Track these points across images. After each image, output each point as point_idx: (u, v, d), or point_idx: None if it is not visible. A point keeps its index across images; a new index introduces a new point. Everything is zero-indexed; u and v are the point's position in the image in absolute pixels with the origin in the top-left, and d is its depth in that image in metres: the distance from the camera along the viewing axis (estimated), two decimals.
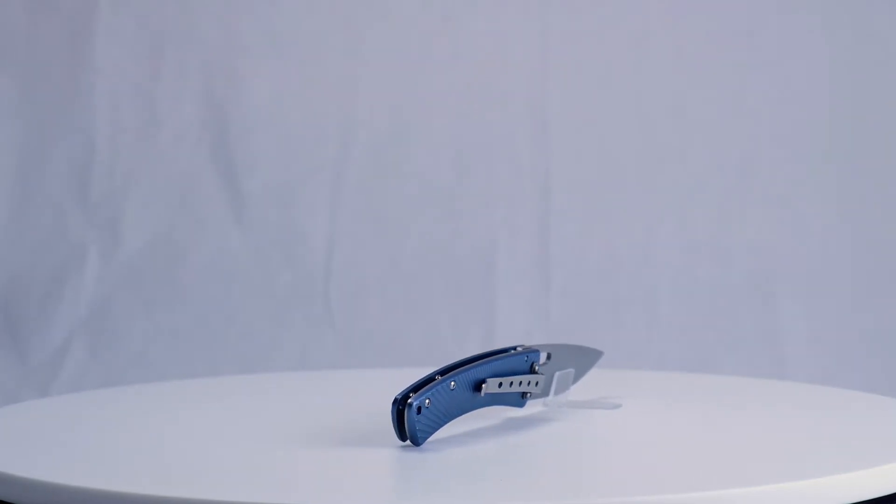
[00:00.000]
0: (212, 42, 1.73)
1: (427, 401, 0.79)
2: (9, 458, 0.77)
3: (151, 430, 0.88)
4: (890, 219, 1.70)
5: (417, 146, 1.73)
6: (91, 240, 1.72)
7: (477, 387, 0.82)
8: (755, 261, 1.70)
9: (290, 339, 1.69)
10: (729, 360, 1.65)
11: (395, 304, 1.70)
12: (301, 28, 1.73)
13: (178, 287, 1.71)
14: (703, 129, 1.72)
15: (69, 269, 1.71)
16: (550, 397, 0.88)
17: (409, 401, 0.78)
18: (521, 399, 0.86)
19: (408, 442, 0.79)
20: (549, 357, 0.87)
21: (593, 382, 0.97)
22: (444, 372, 0.81)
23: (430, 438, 0.80)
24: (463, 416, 0.82)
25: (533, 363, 0.86)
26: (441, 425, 0.80)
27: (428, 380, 0.80)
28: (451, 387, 0.80)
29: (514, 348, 0.86)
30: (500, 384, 0.83)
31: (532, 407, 0.88)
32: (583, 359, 0.93)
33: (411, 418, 0.78)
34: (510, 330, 1.67)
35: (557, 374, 0.88)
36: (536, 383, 0.86)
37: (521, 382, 0.85)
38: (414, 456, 0.78)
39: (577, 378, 0.91)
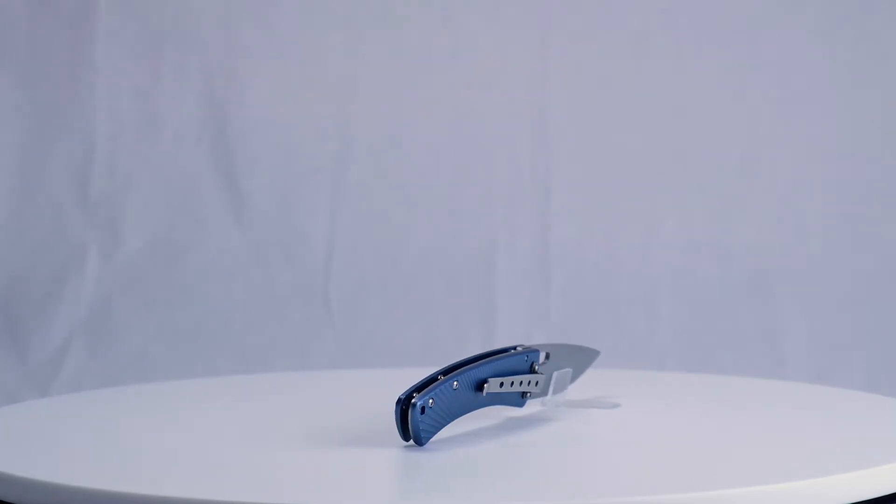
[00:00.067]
0: (212, 42, 1.73)
1: (430, 401, 0.79)
2: (9, 458, 0.77)
3: (151, 430, 0.88)
4: (890, 218, 1.70)
5: (417, 146, 1.73)
6: (91, 240, 1.72)
7: (479, 387, 0.82)
8: (755, 260, 1.70)
9: (290, 339, 1.69)
10: (729, 360, 1.65)
11: (395, 304, 1.70)
12: (301, 28, 1.73)
13: (178, 287, 1.71)
14: (703, 129, 1.72)
15: (69, 269, 1.71)
16: (549, 397, 0.88)
17: (413, 401, 0.78)
18: (520, 399, 0.86)
19: (411, 442, 0.79)
20: (547, 357, 0.87)
21: (591, 382, 0.97)
22: (446, 372, 0.81)
23: (433, 438, 0.80)
24: (463, 416, 0.82)
25: (533, 363, 0.86)
26: (444, 425, 0.80)
27: (431, 380, 0.80)
28: (454, 387, 0.80)
29: (514, 348, 0.86)
30: (502, 384, 0.83)
31: (530, 406, 0.88)
32: (580, 358, 0.93)
33: (415, 418, 0.78)
34: (510, 330, 1.67)
35: (555, 373, 0.88)
36: (536, 383, 0.86)
37: (521, 382, 0.85)
38: (418, 456, 0.78)
39: (574, 378, 0.91)
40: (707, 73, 1.72)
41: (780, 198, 1.71)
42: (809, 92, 1.71)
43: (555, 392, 0.89)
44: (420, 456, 0.78)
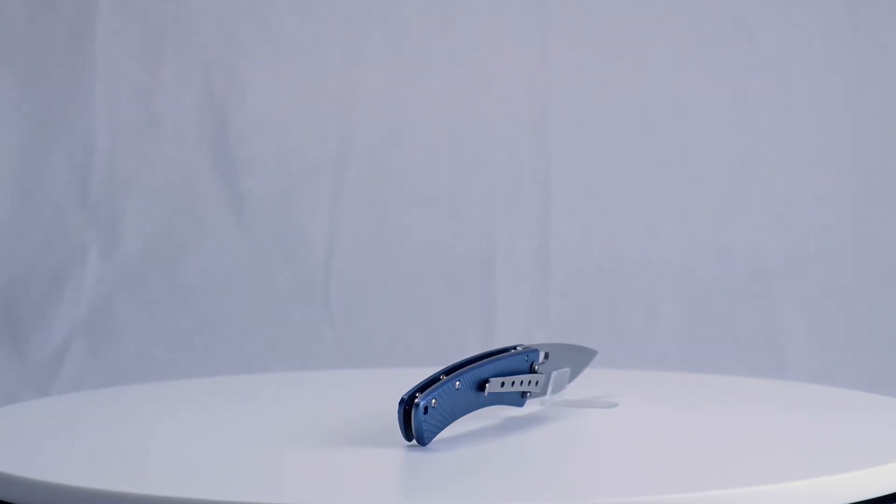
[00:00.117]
0: (212, 42, 1.73)
1: (433, 401, 0.79)
2: (9, 458, 0.77)
3: (151, 430, 0.87)
4: (890, 218, 1.70)
5: (417, 146, 1.73)
6: (91, 240, 1.72)
7: (480, 386, 0.82)
8: (755, 261, 1.70)
9: (290, 339, 1.69)
10: (729, 360, 1.65)
11: (395, 304, 1.70)
12: (301, 28, 1.73)
13: (178, 287, 1.71)
14: (703, 129, 1.72)
15: (69, 269, 1.71)
16: (547, 396, 0.88)
17: (416, 401, 0.78)
18: (520, 398, 0.86)
19: (413, 442, 0.79)
20: (546, 356, 0.87)
21: (590, 382, 0.97)
22: (448, 372, 0.81)
23: (434, 438, 0.80)
24: (464, 416, 0.82)
25: (533, 362, 0.86)
26: (446, 425, 0.80)
27: (433, 380, 0.80)
28: (457, 387, 0.80)
29: (514, 348, 0.86)
30: (503, 384, 0.83)
31: (529, 406, 0.88)
32: (578, 358, 0.93)
33: (418, 418, 0.78)
34: (510, 330, 1.67)
35: (554, 373, 0.88)
36: (536, 383, 0.86)
37: (521, 382, 0.85)
38: (421, 456, 0.78)
39: (572, 377, 0.91)
40: (707, 73, 1.72)
41: (780, 198, 1.71)
42: (809, 92, 1.71)
43: (553, 392, 0.89)
44: (423, 456, 0.78)
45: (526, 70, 1.73)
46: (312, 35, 1.73)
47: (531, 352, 0.86)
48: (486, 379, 0.82)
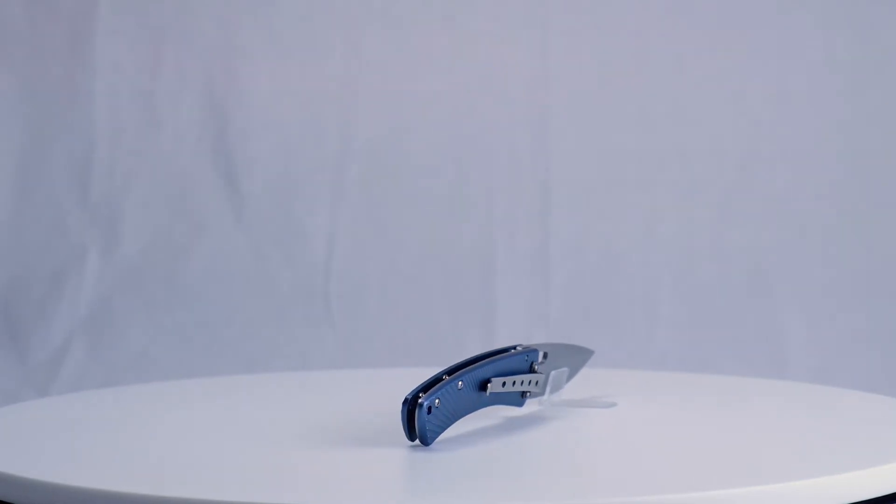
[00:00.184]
0: (212, 42, 1.73)
1: (437, 401, 0.79)
2: (9, 458, 0.77)
3: (151, 430, 0.87)
4: (889, 218, 1.70)
5: (417, 146, 1.73)
6: (91, 240, 1.72)
7: (482, 386, 0.82)
8: (755, 261, 1.70)
9: (290, 338, 1.69)
10: (729, 360, 1.65)
11: (395, 303, 1.70)
12: (301, 28, 1.73)
13: (178, 287, 1.71)
14: (703, 129, 1.72)
15: (69, 269, 1.71)
16: (546, 396, 0.88)
17: (420, 401, 0.78)
18: (520, 398, 0.86)
19: (416, 442, 0.79)
20: (545, 356, 0.87)
21: (590, 382, 0.97)
22: (450, 372, 0.81)
23: (437, 438, 0.80)
24: (466, 415, 0.82)
25: (532, 362, 0.86)
26: (449, 425, 0.80)
27: (436, 380, 0.80)
28: (459, 387, 0.80)
29: (514, 347, 0.86)
30: (504, 384, 0.84)
31: (528, 406, 0.88)
32: (576, 358, 0.93)
33: (422, 418, 0.78)
34: (510, 330, 1.67)
35: (553, 373, 0.88)
36: (536, 382, 0.87)
37: (522, 382, 0.85)
38: (424, 456, 0.78)
39: (569, 377, 0.91)
40: (707, 73, 1.72)
41: (780, 198, 1.71)
42: (809, 92, 1.71)
43: (552, 392, 0.89)
44: (427, 456, 0.78)
45: (526, 70, 1.73)
46: (312, 35, 1.73)
47: (531, 352, 0.86)
48: (487, 379, 0.82)
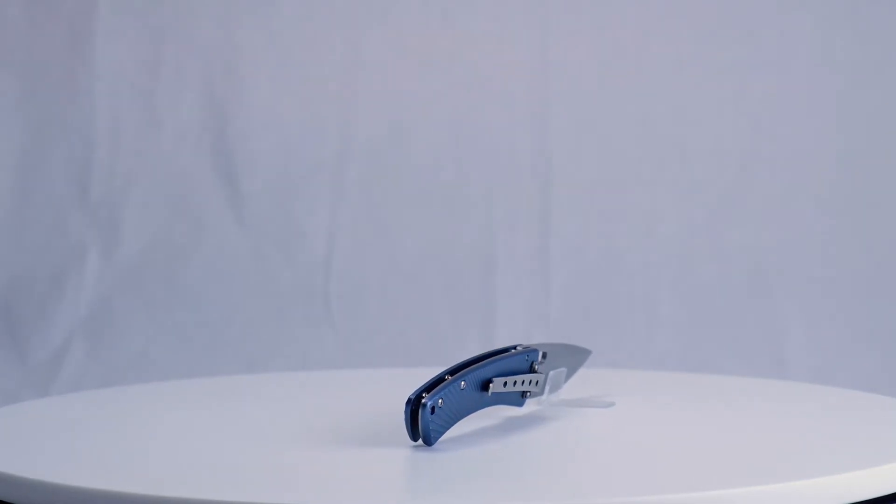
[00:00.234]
0: (212, 42, 1.73)
1: (440, 401, 0.79)
2: (9, 458, 0.77)
3: (151, 430, 0.87)
4: (889, 218, 1.70)
5: (417, 146, 1.73)
6: (91, 240, 1.72)
7: (484, 386, 0.82)
8: (755, 261, 1.70)
9: (290, 338, 1.69)
10: (729, 360, 1.65)
11: (395, 303, 1.70)
12: (301, 28, 1.73)
13: (178, 287, 1.71)
14: (703, 129, 1.72)
15: (69, 269, 1.71)
16: (544, 396, 0.88)
17: (423, 401, 0.78)
18: (520, 398, 0.86)
19: (419, 442, 0.79)
20: (544, 356, 0.87)
21: (590, 382, 0.97)
22: (453, 372, 0.81)
23: (440, 439, 0.80)
24: (468, 415, 0.82)
25: (532, 362, 0.86)
26: (452, 425, 0.80)
27: (439, 380, 0.80)
28: (462, 387, 0.80)
29: (514, 347, 0.86)
30: (505, 383, 0.84)
31: (527, 406, 0.88)
32: (573, 358, 0.93)
33: (425, 418, 0.78)
34: (510, 330, 1.67)
35: (551, 373, 0.88)
36: (536, 382, 0.87)
37: (523, 382, 0.85)
38: (427, 456, 0.78)
39: (567, 377, 0.91)
40: (707, 73, 1.72)
41: (780, 197, 1.71)
42: (809, 92, 1.71)
43: (550, 391, 0.89)
44: (430, 456, 0.78)
45: (526, 69, 1.73)
46: (312, 35, 1.73)
47: (531, 352, 0.86)
48: (489, 379, 0.82)
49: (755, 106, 1.72)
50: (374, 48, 1.73)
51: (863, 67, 1.71)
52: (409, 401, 0.78)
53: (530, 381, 0.86)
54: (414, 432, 0.78)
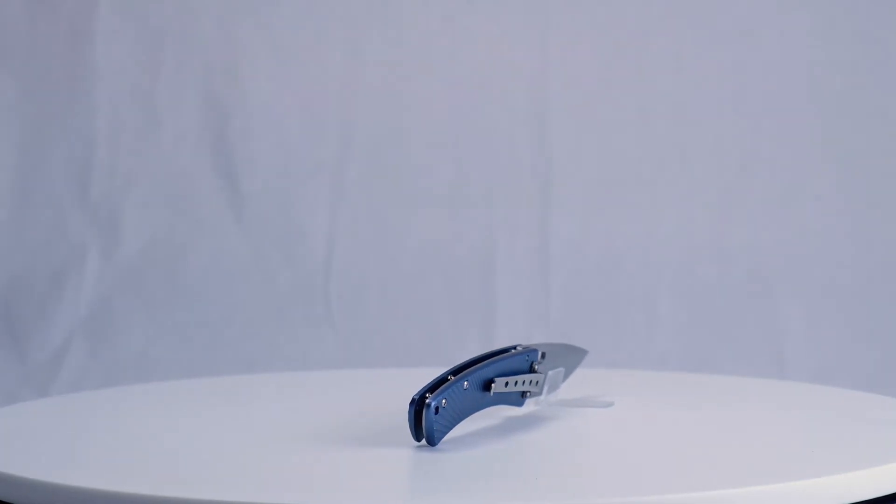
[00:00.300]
0: (212, 42, 1.73)
1: (444, 401, 0.79)
2: (9, 458, 0.77)
3: (151, 430, 0.87)
4: (890, 218, 1.70)
5: (417, 146, 1.73)
6: (91, 240, 1.72)
7: (486, 386, 0.82)
8: (755, 261, 1.70)
9: (290, 338, 1.69)
10: (729, 360, 1.65)
11: (395, 303, 1.70)
12: (301, 28, 1.73)
13: (178, 287, 1.71)
14: (703, 129, 1.72)
15: (69, 269, 1.71)
16: (543, 396, 0.89)
17: (427, 401, 0.78)
18: (520, 398, 0.86)
19: (422, 442, 0.79)
20: (543, 356, 0.87)
21: (591, 382, 0.97)
22: (455, 372, 0.81)
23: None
24: (470, 415, 0.82)
25: (532, 362, 0.86)
26: (455, 425, 0.80)
27: (442, 380, 0.80)
28: (465, 387, 0.81)
29: (514, 347, 0.86)
30: (507, 383, 0.84)
31: (526, 406, 0.88)
32: (571, 357, 0.93)
33: (429, 418, 0.78)
34: (510, 330, 1.67)
35: (550, 372, 0.89)
36: (536, 382, 0.87)
37: (523, 382, 0.85)
38: (431, 456, 0.78)
39: (565, 377, 0.92)
40: (707, 73, 1.72)
41: (780, 198, 1.71)
42: (809, 92, 1.71)
43: (549, 391, 0.89)
44: (434, 456, 0.78)
45: (526, 69, 1.73)
46: (312, 35, 1.73)
47: (531, 352, 0.86)
48: (491, 379, 0.83)
49: (755, 106, 1.72)
50: (374, 48, 1.73)
51: (863, 67, 1.71)
52: (413, 401, 0.78)
53: (530, 381, 0.86)
54: (418, 432, 0.79)
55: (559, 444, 0.83)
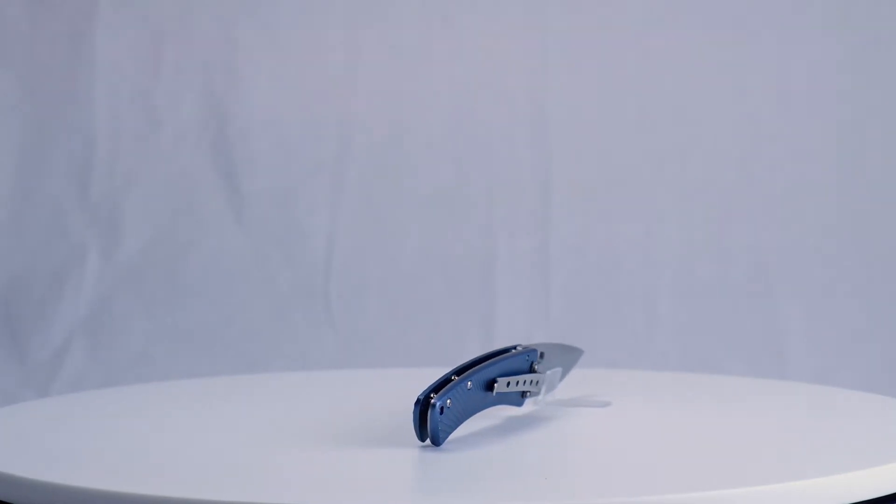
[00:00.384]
0: (212, 42, 1.73)
1: (448, 401, 0.79)
2: (9, 458, 0.77)
3: (152, 430, 0.87)
4: (889, 218, 1.70)
5: (417, 146, 1.73)
6: (91, 240, 1.72)
7: (488, 386, 0.83)
8: (755, 260, 1.70)
9: (290, 338, 1.69)
10: (729, 360, 1.65)
11: (395, 303, 1.70)
12: (301, 28, 1.73)
13: (178, 287, 1.71)
14: (703, 129, 1.72)
15: (69, 269, 1.71)
16: (541, 396, 0.89)
17: (432, 401, 0.78)
18: (520, 398, 0.86)
19: (426, 442, 0.79)
20: (541, 356, 0.87)
21: (591, 382, 0.97)
22: (458, 372, 0.81)
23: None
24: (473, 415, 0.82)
25: (532, 362, 0.86)
26: (458, 425, 0.81)
27: (446, 380, 0.80)
28: (468, 387, 0.81)
29: (514, 348, 0.86)
30: (508, 384, 0.84)
31: (525, 405, 0.88)
32: (567, 357, 0.93)
33: (434, 418, 0.78)
34: (510, 330, 1.67)
35: (548, 372, 0.89)
36: (535, 382, 0.87)
37: (524, 382, 0.86)
38: (435, 456, 0.78)
39: (562, 377, 0.92)
40: (707, 73, 1.72)
41: (780, 197, 1.71)
42: (809, 91, 1.71)
43: (546, 391, 0.89)
44: (438, 456, 0.78)
45: (526, 69, 1.73)
46: (312, 35, 1.73)
47: (531, 352, 0.86)
48: (493, 379, 0.83)
49: (755, 106, 1.72)
50: (374, 48, 1.73)
51: (863, 67, 1.71)
52: (417, 401, 0.79)
53: (530, 381, 0.86)
54: (422, 432, 0.79)
55: (562, 444, 0.83)
